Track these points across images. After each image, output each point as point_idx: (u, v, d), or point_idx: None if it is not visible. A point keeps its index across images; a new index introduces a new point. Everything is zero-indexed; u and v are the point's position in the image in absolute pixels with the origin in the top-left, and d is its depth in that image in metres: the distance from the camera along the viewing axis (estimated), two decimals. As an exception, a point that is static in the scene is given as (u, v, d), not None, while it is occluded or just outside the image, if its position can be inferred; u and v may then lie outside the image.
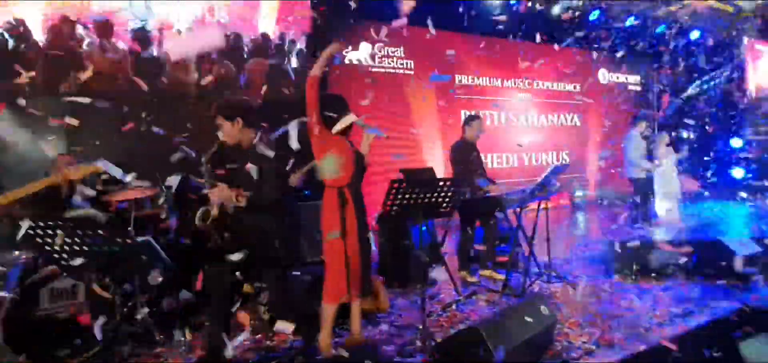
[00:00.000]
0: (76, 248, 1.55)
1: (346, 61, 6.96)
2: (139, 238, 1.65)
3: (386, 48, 7.39)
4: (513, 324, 2.25)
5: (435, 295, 3.72)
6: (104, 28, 4.34)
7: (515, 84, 8.71)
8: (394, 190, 2.29)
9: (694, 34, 9.41)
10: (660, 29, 9.14)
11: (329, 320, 2.43)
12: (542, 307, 2.46)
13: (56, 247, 1.55)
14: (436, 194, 2.36)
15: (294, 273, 3.22)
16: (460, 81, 8.20)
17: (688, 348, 2.63)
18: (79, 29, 4.24)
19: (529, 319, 2.34)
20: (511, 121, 8.69)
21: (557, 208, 8.44)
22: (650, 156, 5.89)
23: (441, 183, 2.45)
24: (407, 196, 2.30)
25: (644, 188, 5.94)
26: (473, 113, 4.55)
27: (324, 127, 2.44)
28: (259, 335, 2.98)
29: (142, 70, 4.35)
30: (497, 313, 2.30)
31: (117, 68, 4.23)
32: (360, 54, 7.21)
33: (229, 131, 2.34)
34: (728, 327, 2.69)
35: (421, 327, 2.65)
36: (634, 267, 3.80)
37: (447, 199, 2.42)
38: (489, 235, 4.05)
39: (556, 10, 7.78)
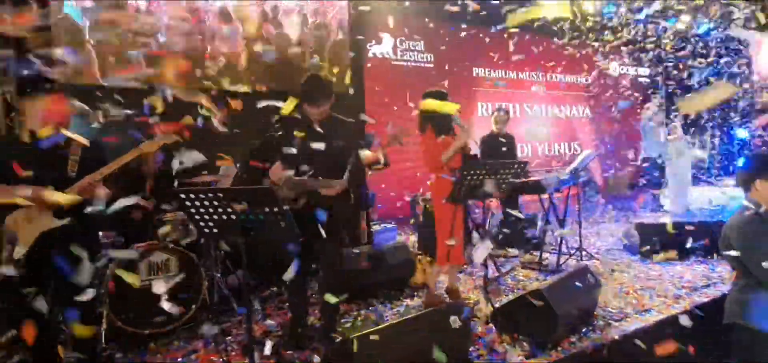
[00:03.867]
0: (224, 216, 1.85)
1: (371, 54, 7.23)
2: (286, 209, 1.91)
3: (408, 41, 7.67)
4: (567, 289, 2.57)
5: (474, 272, 4.04)
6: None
7: (529, 77, 9.01)
8: (465, 172, 2.59)
9: (702, 28, 9.71)
10: (670, 22, 9.42)
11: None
12: (589, 275, 2.78)
13: (204, 213, 1.84)
14: (500, 174, 2.66)
15: (354, 251, 3.52)
16: (477, 74, 8.50)
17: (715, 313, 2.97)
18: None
19: (578, 285, 2.66)
20: (525, 112, 9.00)
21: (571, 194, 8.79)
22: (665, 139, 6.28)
23: (509, 163, 2.80)
24: (476, 176, 2.59)
25: (657, 173, 6.31)
26: (500, 106, 4.87)
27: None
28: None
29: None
30: (555, 280, 2.61)
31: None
32: (383, 47, 7.49)
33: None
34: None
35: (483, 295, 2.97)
36: (657, 245, 4.13)
37: (507, 180, 2.72)
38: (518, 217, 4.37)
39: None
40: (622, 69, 10.04)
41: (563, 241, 4.03)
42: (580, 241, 4.06)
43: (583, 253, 4.08)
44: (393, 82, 7.19)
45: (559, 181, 3.84)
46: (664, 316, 2.84)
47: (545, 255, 4.13)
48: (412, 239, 4.93)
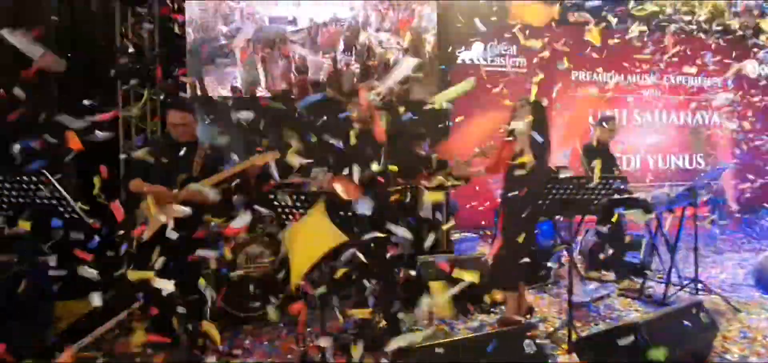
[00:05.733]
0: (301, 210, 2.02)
1: (459, 61, 7.13)
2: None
3: (499, 45, 7.38)
4: (672, 327, 2.23)
5: (560, 293, 3.73)
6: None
7: (642, 78, 7.99)
8: (548, 187, 2.42)
9: None
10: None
11: None
12: (702, 315, 2.38)
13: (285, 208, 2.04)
14: (590, 192, 2.42)
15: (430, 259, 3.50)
16: (577, 77, 7.81)
17: None
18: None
19: (687, 324, 2.30)
20: (634, 120, 8.01)
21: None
22: None
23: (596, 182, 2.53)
24: (560, 192, 2.41)
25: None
26: (607, 113, 4.41)
27: None
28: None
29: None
30: (656, 315, 2.29)
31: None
32: (472, 53, 7.32)
33: None
34: None
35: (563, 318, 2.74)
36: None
37: (598, 198, 2.47)
38: (616, 238, 3.90)
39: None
40: (760, 70, 8.35)
41: (673, 269, 3.49)
42: (696, 271, 3.48)
43: (699, 285, 3.49)
44: (483, 88, 6.97)
45: (670, 200, 3.34)
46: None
47: (649, 284, 3.63)
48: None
